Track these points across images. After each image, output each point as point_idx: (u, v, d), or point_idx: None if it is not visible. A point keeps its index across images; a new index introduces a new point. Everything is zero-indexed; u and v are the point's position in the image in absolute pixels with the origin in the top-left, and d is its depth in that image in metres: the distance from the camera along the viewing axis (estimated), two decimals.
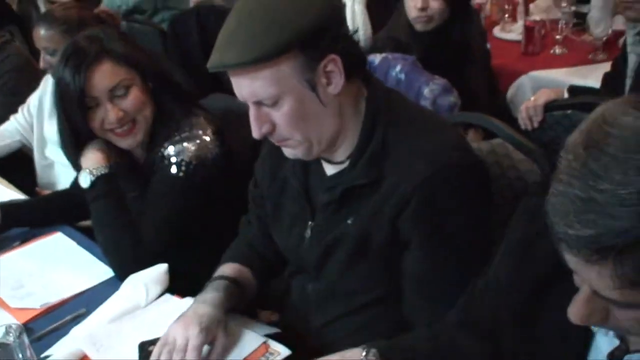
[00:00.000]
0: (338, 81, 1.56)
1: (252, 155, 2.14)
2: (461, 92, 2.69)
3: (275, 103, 1.54)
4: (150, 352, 1.71)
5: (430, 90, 2.58)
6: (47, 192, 2.92)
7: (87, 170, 2.13)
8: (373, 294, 1.72)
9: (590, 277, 0.97)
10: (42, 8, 5.00)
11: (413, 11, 2.83)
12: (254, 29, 1.47)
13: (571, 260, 0.97)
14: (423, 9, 2.80)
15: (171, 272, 1.98)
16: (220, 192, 2.17)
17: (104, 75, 2.07)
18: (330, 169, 1.72)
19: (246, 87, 1.53)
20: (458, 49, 2.89)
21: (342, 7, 1.59)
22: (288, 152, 1.67)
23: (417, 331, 1.61)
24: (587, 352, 1.21)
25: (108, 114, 2.08)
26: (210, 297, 1.76)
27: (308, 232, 1.77)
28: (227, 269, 1.90)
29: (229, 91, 2.97)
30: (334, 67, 1.54)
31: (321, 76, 1.53)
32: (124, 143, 2.16)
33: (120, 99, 2.09)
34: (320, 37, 1.50)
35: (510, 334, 1.35)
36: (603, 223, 0.90)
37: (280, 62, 1.48)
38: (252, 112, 1.57)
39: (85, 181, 2.13)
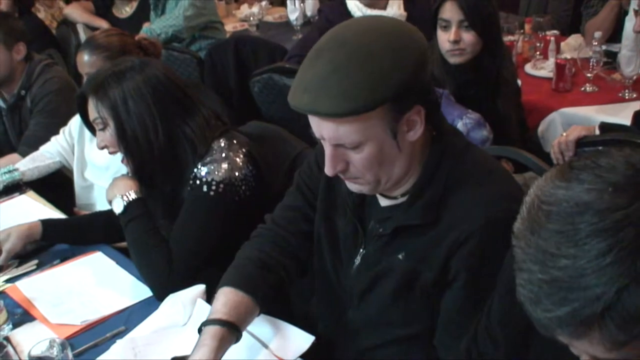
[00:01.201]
0: (418, 129, 1.58)
1: (285, 179, 2.20)
2: (493, 126, 2.73)
3: (355, 147, 1.54)
4: None
5: (464, 124, 2.61)
6: (85, 213, 2.98)
7: (119, 196, 2.20)
8: (411, 329, 1.74)
9: (585, 347, 0.97)
10: (81, 33, 5.10)
11: (446, 44, 2.87)
12: (351, 80, 1.45)
13: (561, 337, 0.98)
14: (455, 41, 2.84)
15: (208, 289, 2.03)
16: (251, 211, 2.21)
17: (91, 108, 2.21)
18: (383, 200, 1.74)
19: (330, 131, 1.52)
20: (490, 82, 2.92)
21: (429, 57, 1.60)
22: (353, 187, 1.68)
23: None
24: None
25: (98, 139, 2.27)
26: (211, 345, 1.70)
27: (358, 260, 1.78)
28: (229, 300, 1.81)
29: (265, 118, 3.04)
30: (417, 117, 1.55)
31: (403, 124, 1.55)
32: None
33: (100, 132, 2.23)
34: (412, 91, 1.51)
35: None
36: (575, 297, 0.91)
37: (372, 115, 1.49)
38: (328, 152, 1.57)
39: (118, 207, 2.20)
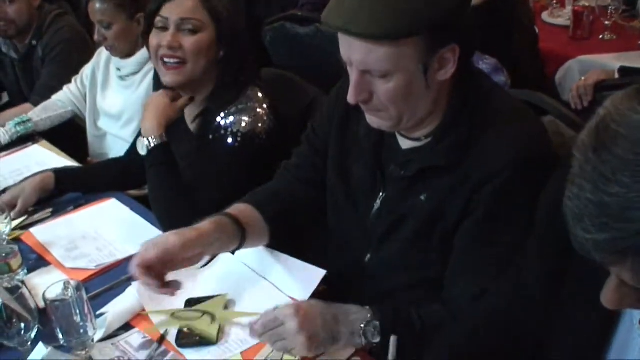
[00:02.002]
0: (449, 69, 1.54)
1: (302, 123, 2.18)
2: (510, 71, 2.69)
3: (383, 76, 1.51)
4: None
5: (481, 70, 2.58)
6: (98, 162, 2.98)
7: (145, 139, 2.18)
8: (430, 272, 1.71)
9: (615, 270, 0.97)
10: None
11: None
12: (389, 3, 1.42)
13: (593, 257, 0.96)
14: None
15: None
16: (272, 162, 2.19)
17: (183, 6, 2.15)
18: (405, 143, 1.70)
19: (360, 55, 1.48)
20: (506, 27, 2.87)
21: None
22: (373, 121, 1.64)
23: (434, 306, 1.64)
24: (618, 319, 1.21)
25: (166, 38, 2.15)
26: (205, 226, 1.73)
27: (377, 203, 1.75)
28: (232, 208, 1.85)
29: (277, 67, 3.01)
30: (451, 56, 1.52)
31: (436, 61, 1.51)
32: (167, 77, 2.21)
33: (185, 33, 2.16)
34: (450, 26, 1.47)
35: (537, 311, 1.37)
36: (618, 227, 0.88)
37: (406, 43, 1.45)
38: (354, 78, 1.53)
39: (142, 149, 2.18)
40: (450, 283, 1.67)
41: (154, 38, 2.19)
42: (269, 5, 4.10)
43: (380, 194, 1.75)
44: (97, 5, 2.80)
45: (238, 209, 1.85)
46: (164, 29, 2.17)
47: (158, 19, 2.18)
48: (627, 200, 0.87)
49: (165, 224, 2.16)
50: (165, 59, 2.18)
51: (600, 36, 3.67)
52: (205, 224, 1.72)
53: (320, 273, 1.83)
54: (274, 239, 1.90)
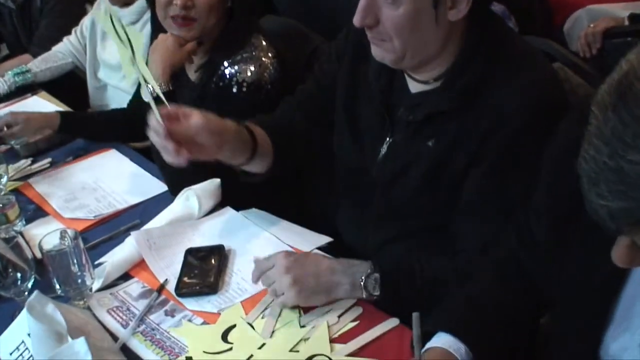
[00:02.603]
0: (462, 8, 1.49)
1: (306, 71, 2.15)
2: (518, 19, 2.64)
3: (393, 1, 1.47)
4: (192, 260, 1.76)
5: None
6: None
7: (150, 86, 2.15)
8: (436, 219, 1.67)
9: (626, 235, 0.92)
10: None
11: None
12: None
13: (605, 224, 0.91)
14: None
15: (224, 186, 1.99)
16: (274, 108, 2.16)
17: None
18: (414, 87, 1.66)
19: None
20: None
21: None
22: (377, 52, 1.59)
23: (438, 259, 1.61)
24: (625, 279, 1.18)
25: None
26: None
27: (384, 148, 1.71)
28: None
29: (279, 13, 2.96)
30: None
31: None
32: (178, 31, 2.17)
33: None
34: None
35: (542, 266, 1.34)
36: (634, 196, 0.83)
37: None
38: (362, 0, 1.51)
39: (146, 96, 2.14)
40: (458, 233, 1.63)
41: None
42: None
43: (388, 138, 1.70)
44: None
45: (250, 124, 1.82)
46: None
47: None
48: None
49: (166, 174, 2.14)
50: (177, 17, 2.14)
51: None
52: (227, 121, 1.68)
53: (325, 239, 1.81)
54: (275, 167, 1.85)
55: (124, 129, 2.49)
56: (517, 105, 1.48)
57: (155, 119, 1.53)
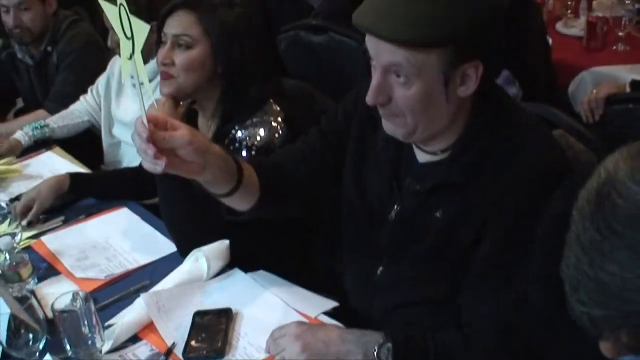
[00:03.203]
0: (471, 86, 1.54)
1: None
2: (521, 83, 2.69)
3: (404, 82, 1.51)
4: (200, 323, 1.79)
5: None
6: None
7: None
8: (442, 289, 1.70)
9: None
10: None
11: None
12: (421, 9, 1.44)
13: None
14: None
15: (233, 248, 2.03)
16: None
17: (178, 22, 2.17)
18: (422, 157, 1.70)
19: (386, 55, 1.50)
20: (519, 39, 2.87)
21: (502, 10, 1.58)
22: (388, 126, 1.64)
23: (447, 332, 1.64)
24: None
25: (161, 53, 2.19)
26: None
27: (392, 216, 1.75)
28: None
29: (291, 75, 3.02)
30: (473, 72, 1.52)
31: (458, 76, 1.52)
32: (163, 87, 2.23)
33: (180, 48, 2.17)
34: (476, 41, 1.49)
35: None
36: (614, 306, 0.86)
37: (431, 52, 1.47)
38: (376, 78, 1.54)
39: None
40: (465, 305, 1.66)
41: (159, 54, 2.22)
42: (282, 14, 4.11)
43: (395, 206, 1.74)
44: None
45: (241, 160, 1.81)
46: (164, 43, 2.20)
47: (162, 33, 2.20)
48: (625, 281, 0.84)
49: (175, 235, 2.17)
50: (162, 70, 2.21)
51: (614, 47, 3.65)
52: (215, 145, 1.67)
53: (331, 303, 1.85)
54: (259, 208, 1.82)
55: (134, 187, 2.54)
56: (521, 181, 1.53)
57: (141, 121, 1.50)
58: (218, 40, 2.16)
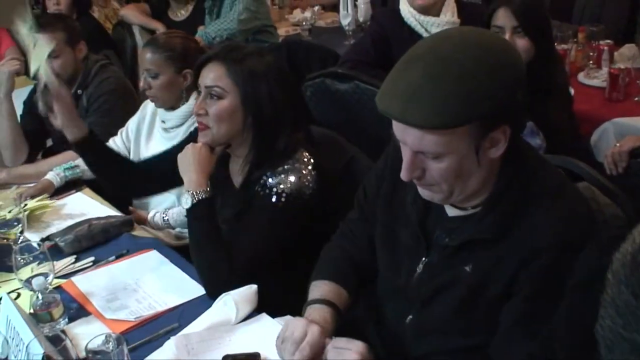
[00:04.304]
0: (500, 147, 1.58)
1: (340, 181, 2.27)
2: (545, 134, 2.72)
3: (436, 157, 1.55)
4: None
5: None
6: (140, 211, 3.04)
7: (190, 192, 2.24)
8: (471, 340, 1.73)
9: None
10: (137, 34, 5.18)
11: None
12: (444, 94, 1.46)
13: None
14: None
15: (261, 293, 2.06)
16: (312, 221, 2.26)
17: (210, 73, 2.25)
18: (451, 210, 1.74)
19: (414, 138, 1.53)
20: (542, 89, 2.91)
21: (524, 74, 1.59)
22: (425, 193, 1.68)
23: None
24: None
25: (196, 104, 2.28)
26: (321, 317, 1.84)
27: (420, 267, 1.78)
28: (326, 289, 1.94)
29: (316, 122, 3.07)
30: (502, 136, 1.56)
31: (487, 141, 1.55)
32: (200, 138, 2.30)
33: (212, 99, 2.24)
34: (502, 112, 1.52)
35: None
36: None
37: (458, 130, 1.50)
38: (407, 157, 1.58)
39: (186, 202, 2.23)
40: (497, 357, 1.68)
41: (195, 103, 2.31)
42: (308, 62, 4.18)
43: (424, 258, 1.77)
44: (148, 55, 2.90)
45: (327, 290, 1.95)
46: (199, 94, 2.28)
47: (197, 85, 2.30)
48: None
49: (204, 277, 2.20)
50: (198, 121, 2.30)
51: (636, 98, 3.68)
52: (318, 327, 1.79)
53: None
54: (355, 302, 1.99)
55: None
56: (552, 239, 1.56)
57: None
58: (246, 90, 2.22)
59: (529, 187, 1.62)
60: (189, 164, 2.28)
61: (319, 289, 1.95)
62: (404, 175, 1.60)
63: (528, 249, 1.58)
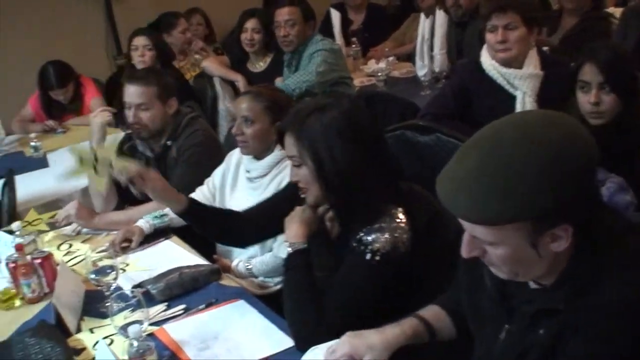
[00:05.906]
0: (563, 244, 1.51)
1: (427, 236, 2.26)
2: (636, 190, 2.68)
3: (491, 244, 1.54)
4: None
5: (607, 189, 2.58)
6: (224, 259, 3.11)
7: (288, 243, 2.28)
8: None
9: None
10: (217, 85, 5.30)
11: (586, 106, 2.85)
12: (488, 189, 1.44)
13: None
14: (596, 103, 2.82)
15: None
16: (406, 280, 2.26)
17: (287, 146, 2.30)
18: (531, 282, 1.72)
19: (465, 225, 1.54)
20: (631, 145, 2.88)
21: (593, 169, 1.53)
22: (492, 269, 1.67)
23: None
24: None
25: (291, 173, 2.37)
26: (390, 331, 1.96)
27: (503, 335, 1.77)
28: (426, 310, 2.05)
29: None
30: (563, 233, 1.49)
31: (546, 236, 1.50)
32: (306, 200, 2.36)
33: (295, 168, 2.30)
34: (556, 213, 1.46)
35: None
36: None
37: (507, 227, 1.47)
38: (465, 237, 1.58)
39: (283, 252, 2.28)
40: None
41: None
42: (386, 113, 4.22)
43: (506, 325, 1.77)
44: (247, 102, 3.03)
45: (430, 310, 2.07)
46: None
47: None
48: None
49: (294, 328, 2.22)
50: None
51: None
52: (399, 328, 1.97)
53: None
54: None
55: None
56: (621, 308, 1.51)
57: None
58: (312, 152, 2.22)
59: (609, 258, 1.55)
60: (292, 223, 2.36)
61: (424, 309, 2.06)
62: (463, 252, 1.60)
63: (599, 317, 1.52)
